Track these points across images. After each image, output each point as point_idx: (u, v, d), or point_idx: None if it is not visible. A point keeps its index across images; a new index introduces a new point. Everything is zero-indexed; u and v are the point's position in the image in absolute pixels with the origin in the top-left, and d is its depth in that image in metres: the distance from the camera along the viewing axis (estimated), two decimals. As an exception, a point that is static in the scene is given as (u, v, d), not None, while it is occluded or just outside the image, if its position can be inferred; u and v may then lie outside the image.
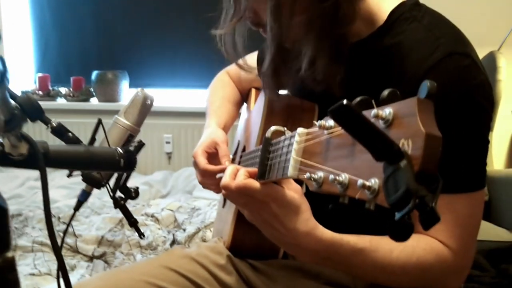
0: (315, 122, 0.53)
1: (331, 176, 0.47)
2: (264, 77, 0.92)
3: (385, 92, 0.43)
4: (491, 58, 2.27)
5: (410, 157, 0.37)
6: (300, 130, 0.59)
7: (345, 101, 0.37)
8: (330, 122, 0.51)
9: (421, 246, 0.78)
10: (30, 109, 0.67)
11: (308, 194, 0.71)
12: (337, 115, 0.38)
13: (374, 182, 0.41)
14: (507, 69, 2.26)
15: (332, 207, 0.48)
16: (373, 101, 0.42)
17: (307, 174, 0.52)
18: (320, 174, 0.50)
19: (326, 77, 0.84)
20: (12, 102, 0.65)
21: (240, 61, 1.01)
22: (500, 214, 2.20)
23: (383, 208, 0.42)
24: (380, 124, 0.41)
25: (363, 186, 0.42)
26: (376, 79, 0.84)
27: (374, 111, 0.41)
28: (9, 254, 0.39)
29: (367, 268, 0.76)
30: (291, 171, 0.58)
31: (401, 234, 0.40)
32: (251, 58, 1.26)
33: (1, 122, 0.40)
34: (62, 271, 0.63)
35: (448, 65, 0.76)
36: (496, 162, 2.63)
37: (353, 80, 0.86)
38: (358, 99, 0.41)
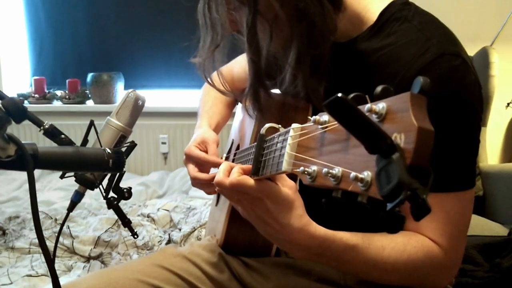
0: (309, 117, 0.53)
1: (325, 170, 0.48)
2: (247, 99, 0.93)
3: (379, 88, 0.42)
4: (484, 53, 2.28)
5: (402, 150, 0.37)
6: (295, 125, 0.59)
7: (340, 94, 0.38)
8: (325, 117, 0.51)
9: (412, 243, 0.79)
10: (14, 111, 0.67)
11: (302, 192, 0.72)
12: (332, 107, 0.38)
13: (367, 174, 0.41)
14: (500, 64, 2.28)
15: (325, 201, 0.49)
16: (367, 97, 0.42)
17: (301, 168, 0.52)
18: (314, 168, 0.51)
19: (308, 92, 0.86)
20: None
21: (222, 87, 1.03)
22: (494, 209, 2.22)
23: (375, 203, 0.42)
24: (374, 118, 0.41)
25: (356, 178, 0.42)
26: (365, 80, 0.84)
27: (367, 106, 0.41)
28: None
29: (359, 264, 0.77)
30: (285, 165, 0.58)
31: (393, 225, 0.41)
32: (242, 58, 1.27)
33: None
34: (51, 269, 0.63)
35: (439, 65, 0.76)
36: (490, 157, 2.64)
37: (342, 80, 0.87)
38: (352, 94, 0.41)
